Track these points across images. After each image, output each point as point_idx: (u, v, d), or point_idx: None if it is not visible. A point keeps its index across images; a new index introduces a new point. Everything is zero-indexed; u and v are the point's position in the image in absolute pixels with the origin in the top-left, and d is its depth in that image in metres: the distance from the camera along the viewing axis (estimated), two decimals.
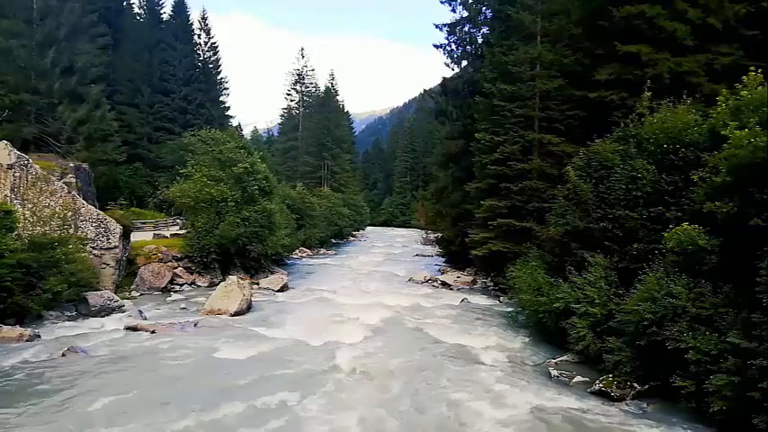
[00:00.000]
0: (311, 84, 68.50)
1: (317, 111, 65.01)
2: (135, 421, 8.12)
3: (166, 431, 7.93)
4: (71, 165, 23.04)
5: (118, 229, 18.74)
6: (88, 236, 18.00)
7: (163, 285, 20.51)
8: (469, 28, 28.40)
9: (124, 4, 48.82)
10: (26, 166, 17.35)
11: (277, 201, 28.77)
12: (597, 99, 16.58)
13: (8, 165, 16.95)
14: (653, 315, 9.29)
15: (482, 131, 21.42)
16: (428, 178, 67.21)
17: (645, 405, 9.33)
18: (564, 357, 12.03)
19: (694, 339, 8.43)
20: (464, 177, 25.58)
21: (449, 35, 28.40)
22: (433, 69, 70.15)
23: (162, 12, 50.17)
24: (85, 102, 30.54)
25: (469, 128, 24.88)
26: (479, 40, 28.16)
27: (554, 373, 11.11)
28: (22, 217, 16.11)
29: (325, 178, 61.16)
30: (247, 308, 17.14)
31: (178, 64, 46.31)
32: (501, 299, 19.96)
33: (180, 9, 48.73)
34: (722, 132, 9.45)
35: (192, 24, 49.62)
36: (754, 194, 8.39)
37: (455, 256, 29.29)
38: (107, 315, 15.54)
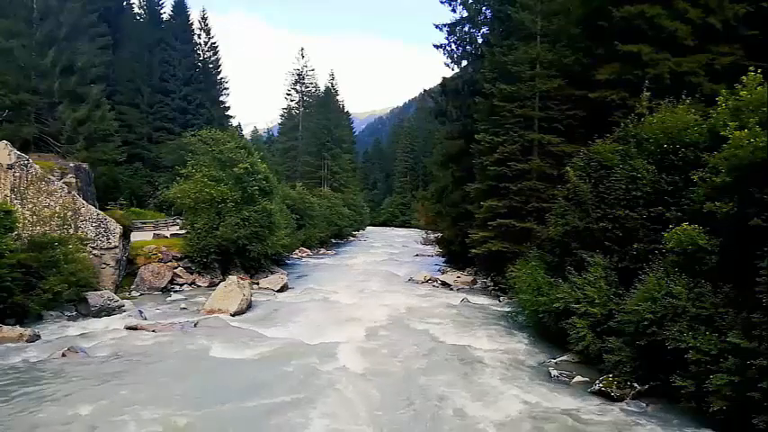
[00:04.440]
0: (311, 84, 68.56)
1: (317, 111, 64.97)
2: (135, 421, 8.12)
3: (166, 431, 7.94)
4: (71, 165, 23.03)
5: (118, 229, 18.74)
6: (88, 236, 17.99)
7: (163, 285, 20.51)
8: (469, 28, 28.38)
9: (124, 4, 48.95)
10: (26, 166, 17.34)
11: (277, 201, 28.77)
12: (597, 99, 16.57)
13: (8, 165, 16.95)
14: (653, 315, 9.29)
15: (482, 132, 21.40)
16: (428, 178, 67.20)
17: (645, 405, 9.33)
18: (564, 357, 12.02)
19: (694, 339, 8.43)
20: (464, 177, 25.57)
21: (449, 35, 28.39)
22: (433, 69, 70.26)
23: (162, 12, 50.28)
24: (85, 102, 30.61)
25: (469, 128, 24.87)
26: (479, 40, 28.14)
27: (554, 373, 11.11)
28: (21, 217, 16.11)
29: (325, 178, 61.14)
30: (247, 308, 17.14)
31: (178, 64, 46.33)
32: (501, 299, 19.96)
33: (180, 9, 48.78)
34: (722, 132, 9.45)
35: (192, 24, 49.68)
36: (754, 194, 8.39)
37: (455, 256, 29.27)
38: (107, 315, 15.54)
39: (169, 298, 19.37)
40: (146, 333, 13.54)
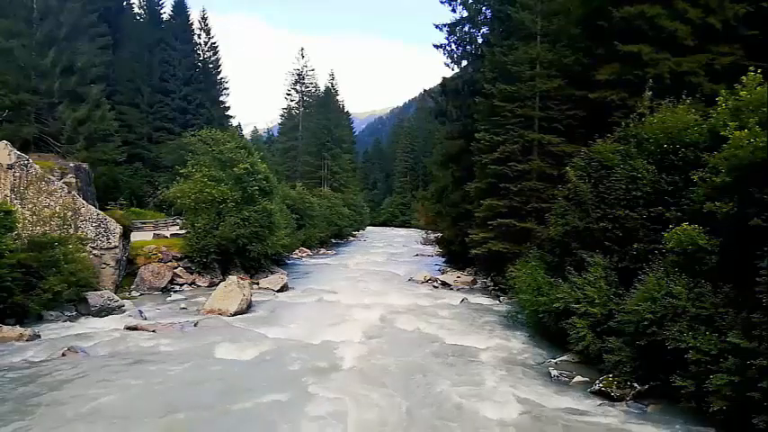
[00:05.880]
0: (311, 84, 68.59)
1: (317, 111, 65.00)
2: (135, 421, 8.13)
3: (166, 431, 7.94)
4: (71, 165, 23.04)
5: (118, 229, 18.74)
6: (88, 236, 17.99)
7: (163, 285, 20.50)
8: (469, 28, 28.36)
9: (124, 4, 48.94)
10: (26, 166, 17.35)
11: (277, 201, 28.77)
12: (597, 99, 16.57)
13: (8, 165, 16.96)
14: (653, 315, 9.28)
15: (482, 131, 21.41)
16: (428, 178, 67.16)
17: (645, 405, 9.33)
18: (564, 357, 12.02)
19: (694, 339, 8.43)
20: (464, 177, 25.57)
21: (449, 35, 28.37)
22: (433, 69, 70.30)
23: (162, 12, 50.28)
24: (85, 102, 30.62)
25: (469, 128, 24.86)
26: (479, 40, 28.13)
27: (554, 373, 11.11)
28: (21, 217, 16.11)
29: (325, 178, 61.15)
30: (247, 308, 17.14)
31: (178, 64, 46.33)
32: (501, 299, 19.95)
33: (180, 9, 48.79)
34: (722, 132, 9.45)
35: (192, 24, 49.68)
36: (754, 194, 8.39)
37: (455, 256, 29.27)
38: (107, 315, 15.54)
39: (169, 298, 19.37)
40: (146, 333, 13.53)
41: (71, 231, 17.57)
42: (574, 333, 11.37)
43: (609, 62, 16.38)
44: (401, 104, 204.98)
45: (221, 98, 51.95)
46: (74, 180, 21.10)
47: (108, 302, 16.00)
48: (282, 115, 70.69)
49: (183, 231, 24.60)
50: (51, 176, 18.61)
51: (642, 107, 13.19)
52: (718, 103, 10.26)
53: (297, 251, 36.43)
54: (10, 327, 12.77)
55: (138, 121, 43.31)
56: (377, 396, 9.63)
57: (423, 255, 39.74)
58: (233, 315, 16.23)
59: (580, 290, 11.55)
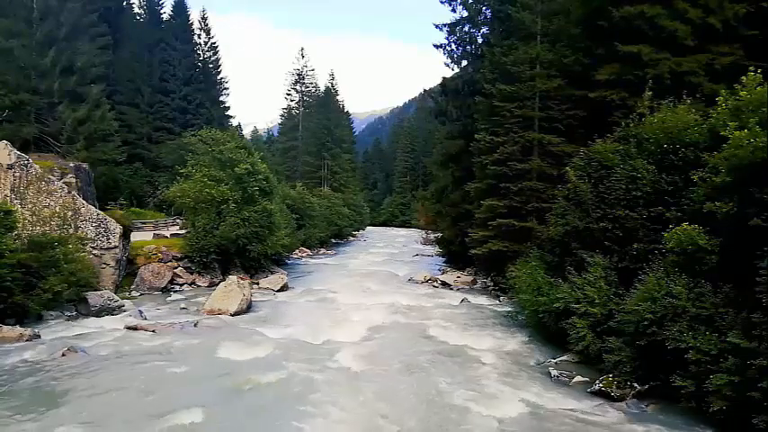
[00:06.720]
0: (311, 84, 68.69)
1: (317, 111, 65.05)
2: (135, 421, 8.13)
3: (166, 430, 7.94)
4: (71, 165, 23.04)
5: (118, 229, 18.74)
6: (88, 236, 17.99)
7: (163, 285, 20.50)
8: (469, 28, 28.40)
9: (124, 4, 48.90)
10: (26, 166, 17.34)
11: (277, 201, 28.77)
12: (597, 99, 16.57)
13: (8, 165, 16.95)
14: (653, 315, 9.29)
15: (482, 132, 21.42)
16: (428, 178, 67.13)
17: (645, 405, 9.33)
18: (564, 357, 12.02)
19: (694, 339, 8.44)
20: (464, 177, 25.58)
21: (449, 35, 28.41)
22: (433, 69, 70.45)
23: (162, 12, 50.31)
24: (85, 102, 30.63)
25: (469, 128, 24.88)
26: (479, 40, 28.17)
27: (554, 373, 11.11)
28: (21, 217, 16.10)
29: (325, 178, 61.17)
30: (247, 308, 17.14)
31: (178, 64, 46.33)
32: (501, 299, 19.95)
33: (180, 9, 48.80)
34: (722, 132, 9.45)
35: (192, 24, 49.71)
36: (754, 194, 8.39)
37: (455, 256, 29.27)
38: (107, 315, 15.54)
39: (169, 298, 19.37)
40: (146, 333, 13.54)
41: (71, 231, 17.56)
42: (574, 333, 11.37)
43: (609, 62, 16.38)
44: (401, 104, 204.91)
45: (221, 98, 52.02)
46: (74, 180, 21.09)
47: (108, 302, 16.00)
48: (282, 115, 70.79)
49: (183, 231, 24.60)
50: (51, 176, 18.61)
51: (642, 107, 13.18)
52: (718, 103, 10.26)
53: (297, 251, 36.42)
54: (10, 327, 12.77)
55: (138, 121, 43.29)
56: (377, 395, 9.63)
57: (423, 255, 39.73)
58: (233, 315, 16.22)
59: (580, 290, 11.55)
